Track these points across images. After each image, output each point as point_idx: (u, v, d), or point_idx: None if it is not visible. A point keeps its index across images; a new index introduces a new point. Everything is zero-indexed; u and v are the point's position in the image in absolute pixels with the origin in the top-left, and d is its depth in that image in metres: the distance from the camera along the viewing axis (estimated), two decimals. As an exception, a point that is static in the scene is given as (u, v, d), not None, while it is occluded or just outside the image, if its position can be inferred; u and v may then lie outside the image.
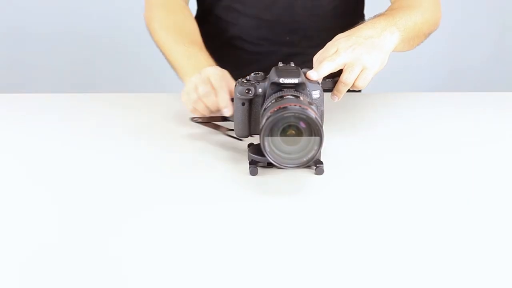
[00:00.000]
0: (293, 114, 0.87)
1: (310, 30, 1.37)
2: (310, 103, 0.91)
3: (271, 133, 0.89)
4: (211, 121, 1.09)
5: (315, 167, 0.97)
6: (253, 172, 0.97)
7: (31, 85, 2.61)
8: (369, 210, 0.88)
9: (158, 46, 1.24)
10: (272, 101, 0.91)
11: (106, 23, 2.61)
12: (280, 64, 0.98)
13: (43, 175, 0.97)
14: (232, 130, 1.05)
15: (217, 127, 1.08)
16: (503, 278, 0.74)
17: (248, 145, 1.01)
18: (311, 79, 0.97)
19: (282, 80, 0.94)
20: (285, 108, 0.88)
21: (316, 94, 0.96)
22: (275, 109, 0.88)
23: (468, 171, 1.00)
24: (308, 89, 0.95)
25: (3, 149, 1.07)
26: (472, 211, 0.88)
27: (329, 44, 1.04)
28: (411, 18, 1.13)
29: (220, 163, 1.01)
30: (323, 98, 0.97)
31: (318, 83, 0.97)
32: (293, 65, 0.98)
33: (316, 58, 1.03)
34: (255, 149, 0.98)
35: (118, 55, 2.65)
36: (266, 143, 0.88)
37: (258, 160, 0.97)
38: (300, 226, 0.84)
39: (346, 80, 1.00)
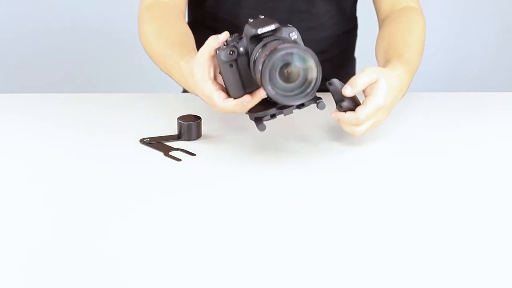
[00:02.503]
0: (284, 52, 0.89)
1: (307, 42, 1.37)
2: (294, 42, 0.93)
3: (271, 77, 0.89)
4: (161, 141, 1.07)
5: (316, 104, 0.98)
6: (262, 128, 0.97)
7: (32, 85, 2.61)
8: (367, 210, 0.88)
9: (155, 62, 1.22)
10: (259, 51, 0.93)
11: (106, 23, 2.61)
12: (250, 20, 0.99)
13: (42, 175, 0.97)
14: (180, 150, 1.04)
15: (166, 148, 1.05)
16: (503, 277, 0.74)
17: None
18: (346, 95, 0.99)
19: (260, 31, 0.95)
20: (274, 50, 0.89)
21: (294, 35, 0.98)
22: (267, 53, 0.89)
23: (468, 171, 1.00)
24: (285, 33, 0.97)
25: (2, 149, 1.07)
26: (472, 211, 0.88)
27: (382, 84, 1.02)
28: (419, 60, 1.18)
29: (218, 163, 1.01)
30: (301, 38, 0.99)
31: (290, 26, 0.98)
32: (262, 17, 0.99)
33: (360, 80, 1.02)
34: (254, 107, 0.98)
35: (119, 55, 2.65)
36: (269, 88, 0.89)
37: (261, 115, 0.98)
38: (298, 226, 0.84)
39: (357, 120, 1.01)
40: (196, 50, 1.10)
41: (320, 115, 1.11)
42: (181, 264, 0.76)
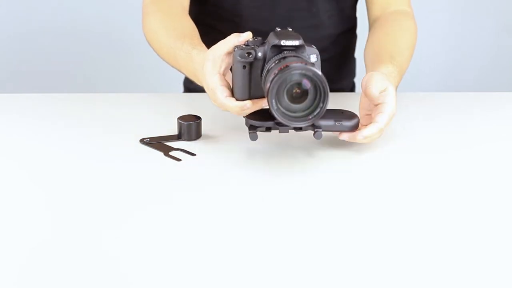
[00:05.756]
0: (299, 71, 0.88)
1: (307, 40, 1.38)
2: (312, 64, 0.92)
3: (277, 92, 0.89)
4: (161, 141, 1.07)
5: (314, 132, 0.96)
6: (253, 138, 0.96)
7: (32, 85, 2.61)
8: (369, 211, 0.88)
9: (160, 56, 1.22)
10: (276, 62, 0.92)
11: (106, 23, 2.61)
12: (278, 29, 0.98)
13: (42, 175, 0.97)
14: (180, 150, 1.04)
15: (166, 148, 1.05)
16: (503, 277, 0.74)
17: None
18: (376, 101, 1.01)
19: (283, 42, 0.94)
20: (289, 67, 0.88)
21: (313, 58, 0.96)
22: (281, 67, 0.88)
23: (467, 171, 1.00)
24: (306, 52, 0.96)
25: (2, 149, 1.07)
26: (471, 211, 0.88)
27: (391, 91, 1.02)
28: (408, 64, 1.18)
29: (218, 163, 1.01)
30: (320, 62, 0.98)
31: (314, 47, 0.96)
32: (290, 29, 0.99)
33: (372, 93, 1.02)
34: (253, 114, 0.98)
35: (119, 55, 2.65)
36: (273, 102, 0.89)
37: (257, 124, 0.97)
38: (298, 227, 0.84)
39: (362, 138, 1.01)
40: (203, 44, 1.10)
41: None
42: (181, 264, 0.76)
